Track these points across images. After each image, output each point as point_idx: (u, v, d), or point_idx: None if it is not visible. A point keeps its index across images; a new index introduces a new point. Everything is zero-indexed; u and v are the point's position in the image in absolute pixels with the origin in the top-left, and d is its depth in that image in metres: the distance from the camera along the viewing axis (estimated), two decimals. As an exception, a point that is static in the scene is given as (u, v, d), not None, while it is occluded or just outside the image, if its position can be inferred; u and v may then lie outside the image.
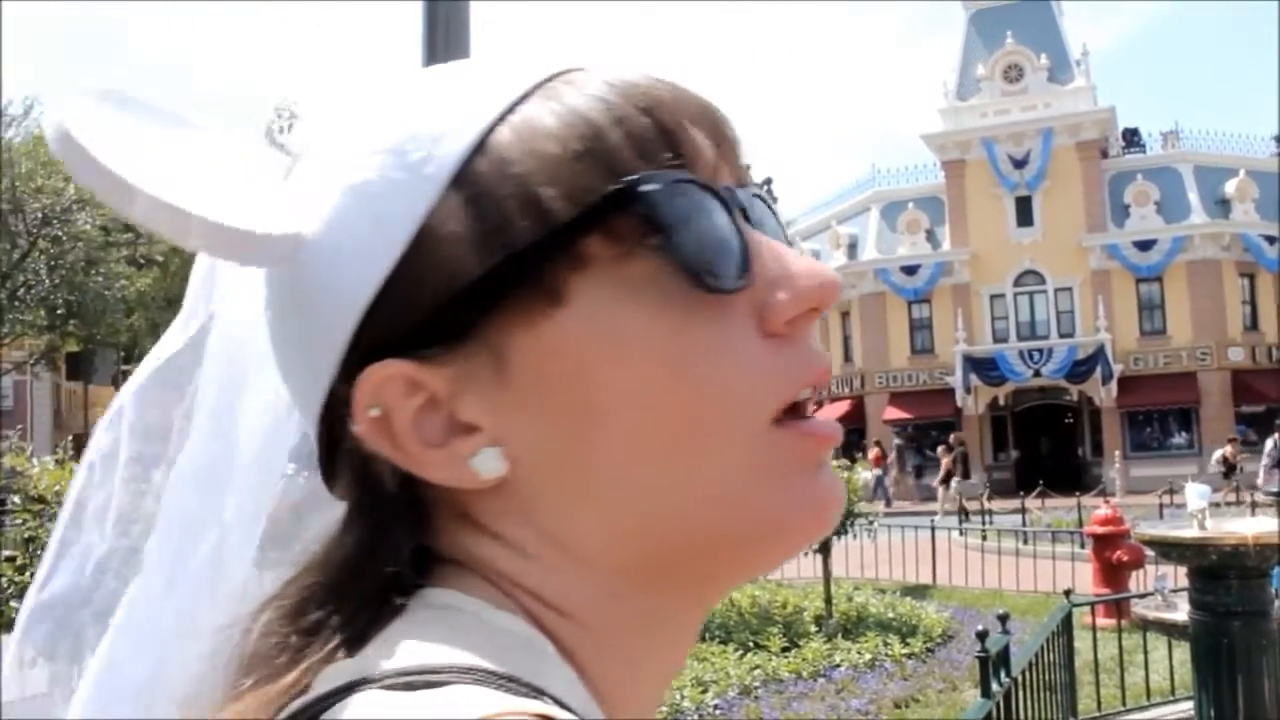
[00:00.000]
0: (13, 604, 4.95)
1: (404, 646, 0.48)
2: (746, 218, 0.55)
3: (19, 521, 5.00)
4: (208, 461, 0.65)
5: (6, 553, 5.22)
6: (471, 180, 0.52)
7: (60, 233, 28.06)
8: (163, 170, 0.54)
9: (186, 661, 0.59)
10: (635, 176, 0.51)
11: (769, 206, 0.60)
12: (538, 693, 0.46)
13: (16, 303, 29.04)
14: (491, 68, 0.57)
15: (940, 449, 29.49)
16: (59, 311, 29.66)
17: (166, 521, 0.65)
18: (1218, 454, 15.90)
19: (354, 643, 0.51)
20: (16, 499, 4.79)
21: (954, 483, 26.56)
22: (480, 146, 0.52)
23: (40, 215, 28.00)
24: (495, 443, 0.52)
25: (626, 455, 0.51)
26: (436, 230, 0.52)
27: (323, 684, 0.48)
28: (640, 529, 0.52)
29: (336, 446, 0.56)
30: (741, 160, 0.58)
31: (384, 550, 0.54)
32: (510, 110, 0.53)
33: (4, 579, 4.94)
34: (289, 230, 0.54)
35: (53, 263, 28.65)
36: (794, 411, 0.54)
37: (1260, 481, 18.27)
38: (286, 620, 0.54)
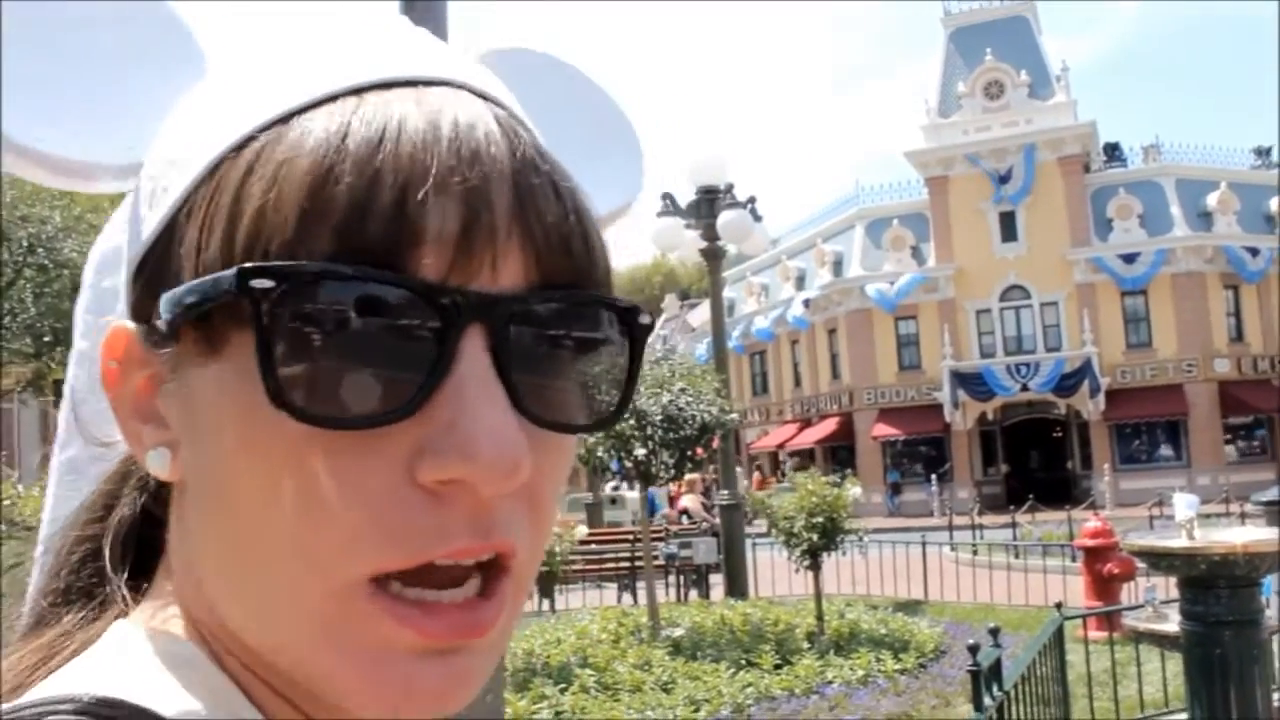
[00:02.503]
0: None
1: (56, 678, 0.49)
2: (497, 335, 0.46)
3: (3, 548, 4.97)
4: None
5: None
6: (215, 182, 0.48)
7: (46, 260, 27.94)
8: (33, 78, 0.50)
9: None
10: (249, 266, 0.44)
11: (581, 319, 0.50)
12: (138, 714, 0.46)
13: (3, 331, 28.93)
14: (318, 53, 0.51)
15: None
16: (45, 339, 29.49)
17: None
18: None
19: (77, 632, 0.54)
20: (3, 526, 4.77)
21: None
22: (240, 148, 0.48)
23: (26, 243, 27.91)
24: (172, 446, 0.50)
25: (223, 532, 0.48)
26: (181, 222, 0.49)
27: None
28: (231, 603, 0.49)
29: None
30: (554, 255, 0.48)
31: (122, 497, 0.57)
32: (284, 119, 0.48)
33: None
34: (127, 161, 0.53)
35: (39, 290, 28.55)
36: (432, 573, 0.46)
37: None
38: (54, 579, 0.57)
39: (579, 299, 0.49)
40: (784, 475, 36.48)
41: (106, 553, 0.56)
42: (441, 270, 0.45)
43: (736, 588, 12.88)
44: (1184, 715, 5.13)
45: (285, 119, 0.48)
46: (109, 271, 0.63)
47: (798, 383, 44.79)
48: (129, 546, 0.57)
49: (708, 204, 13.65)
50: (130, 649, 0.50)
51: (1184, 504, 4.77)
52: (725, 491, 13.74)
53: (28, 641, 0.54)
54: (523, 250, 0.47)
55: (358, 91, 0.48)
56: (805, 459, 38.61)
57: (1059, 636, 6.04)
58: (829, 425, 41.33)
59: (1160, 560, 4.75)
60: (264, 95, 0.49)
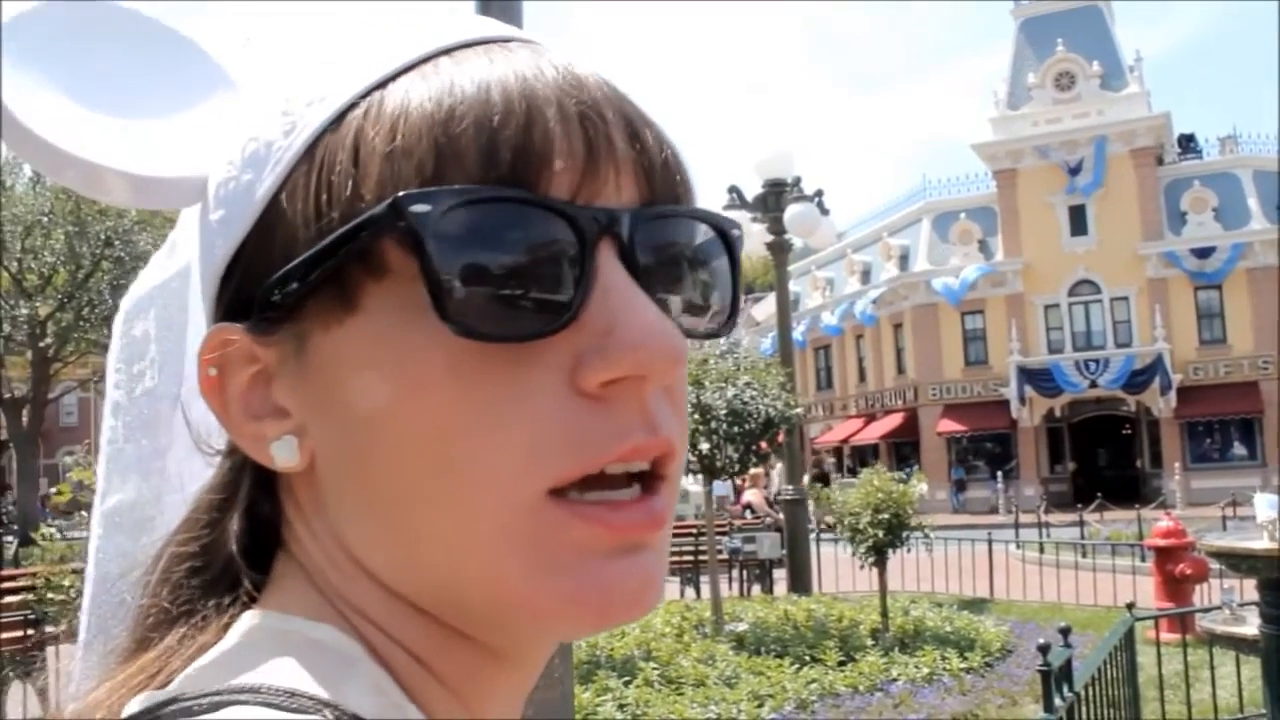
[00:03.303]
0: (80, 615, 5.05)
1: (206, 671, 0.48)
2: (627, 247, 0.49)
3: (86, 534, 5.13)
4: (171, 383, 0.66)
5: (73, 565, 5.34)
6: (318, 158, 0.50)
7: (123, 253, 28.64)
8: (90, 105, 0.54)
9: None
10: (406, 193, 0.46)
11: (717, 232, 0.54)
12: (322, 705, 0.45)
13: (81, 322, 29.71)
14: (396, 30, 0.53)
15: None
16: (121, 330, 30.18)
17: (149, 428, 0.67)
18: None
19: (182, 647, 0.52)
20: (84, 512, 4.91)
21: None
22: (337, 121, 0.50)
23: (104, 236, 28.60)
24: (298, 432, 0.51)
25: (392, 485, 0.48)
26: (284, 204, 0.50)
27: (128, 709, 0.48)
28: (409, 563, 0.49)
29: None
30: (658, 174, 0.52)
31: (236, 503, 0.56)
32: (380, 85, 0.50)
33: (72, 590, 5.06)
34: (195, 174, 0.55)
35: (115, 283, 29.28)
36: (600, 483, 0.48)
37: None
38: (156, 598, 0.56)
39: (687, 213, 0.52)
40: (821, 471, 36.22)
41: (234, 549, 0.55)
42: (572, 189, 0.48)
43: (800, 583, 12.84)
44: (1261, 720, 5.02)
45: (381, 85, 0.50)
46: (139, 317, 0.66)
47: (862, 377, 44.45)
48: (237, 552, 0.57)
49: (775, 197, 13.60)
50: (275, 641, 0.50)
51: (1265, 504, 4.68)
52: (789, 486, 13.69)
53: (129, 662, 0.54)
54: (635, 169, 0.50)
55: (445, 52, 0.51)
56: (834, 456, 38.33)
57: (1129, 638, 5.95)
58: (893, 420, 41.00)
59: (1240, 562, 4.66)
60: (350, 71, 0.51)
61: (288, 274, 0.49)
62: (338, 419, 0.49)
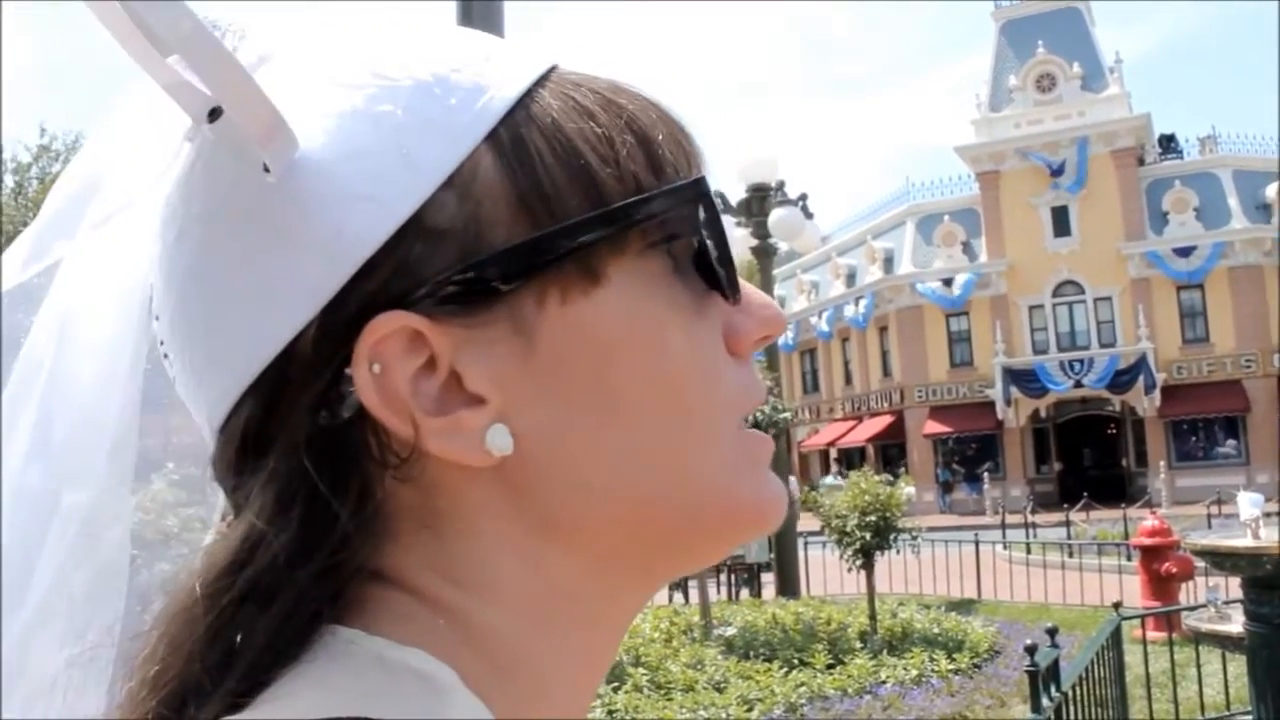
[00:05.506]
0: None
1: (290, 702, 0.44)
2: None
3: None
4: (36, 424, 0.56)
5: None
6: (513, 138, 0.49)
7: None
8: None
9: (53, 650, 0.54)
10: (685, 180, 0.53)
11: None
12: None
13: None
14: (508, 41, 0.55)
15: None
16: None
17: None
18: None
19: (251, 689, 0.46)
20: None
21: None
22: (520, 105, 0.50)
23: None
24: (501, 418, 0.49)
25: (633, 440, 0.51)
26: (468, 182, 0.48)
27: None
28: (632, 514, 0.52)
29: (265, 425, 0.49)
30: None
31: (313, 562, 0.47)
32: (547, 78, 0.52)
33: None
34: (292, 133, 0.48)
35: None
36: None
37: None
38: (179, 651, 0.48)
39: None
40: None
41: (322, 592, 0.48)
42: None
43: (788, 586, 12.86)
44: (1247, 718, 5.04)
45: (542, 84, 0.52)
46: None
47: (848, 380, 44.54)
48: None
49: (759, 201, 13.62)
50: (367, 665, 0.46)
51: (1249, 502, 4.70)
52: (776, 490, 13.70)
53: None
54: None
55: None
56: (821, 459, 38.36)
57: (1116, 637, 5.97)
58: (880, 423, 41.08)
59: (1224, 560, 4.68)
60: (506, 62, 0.52)
61: (513, 254, 0.48)
62: (570, 391, 0.50)
